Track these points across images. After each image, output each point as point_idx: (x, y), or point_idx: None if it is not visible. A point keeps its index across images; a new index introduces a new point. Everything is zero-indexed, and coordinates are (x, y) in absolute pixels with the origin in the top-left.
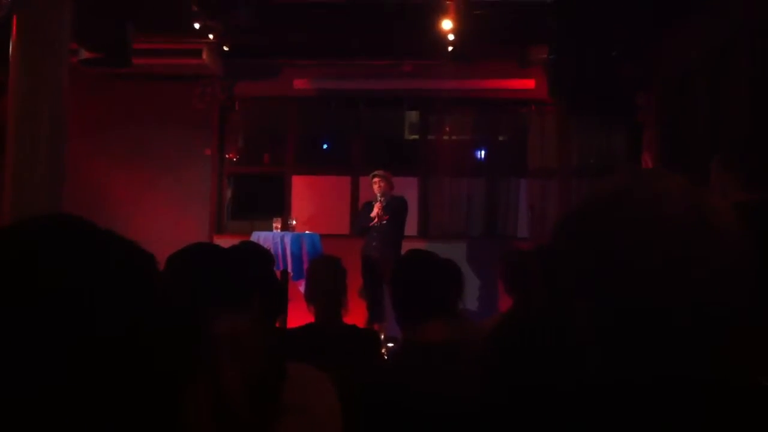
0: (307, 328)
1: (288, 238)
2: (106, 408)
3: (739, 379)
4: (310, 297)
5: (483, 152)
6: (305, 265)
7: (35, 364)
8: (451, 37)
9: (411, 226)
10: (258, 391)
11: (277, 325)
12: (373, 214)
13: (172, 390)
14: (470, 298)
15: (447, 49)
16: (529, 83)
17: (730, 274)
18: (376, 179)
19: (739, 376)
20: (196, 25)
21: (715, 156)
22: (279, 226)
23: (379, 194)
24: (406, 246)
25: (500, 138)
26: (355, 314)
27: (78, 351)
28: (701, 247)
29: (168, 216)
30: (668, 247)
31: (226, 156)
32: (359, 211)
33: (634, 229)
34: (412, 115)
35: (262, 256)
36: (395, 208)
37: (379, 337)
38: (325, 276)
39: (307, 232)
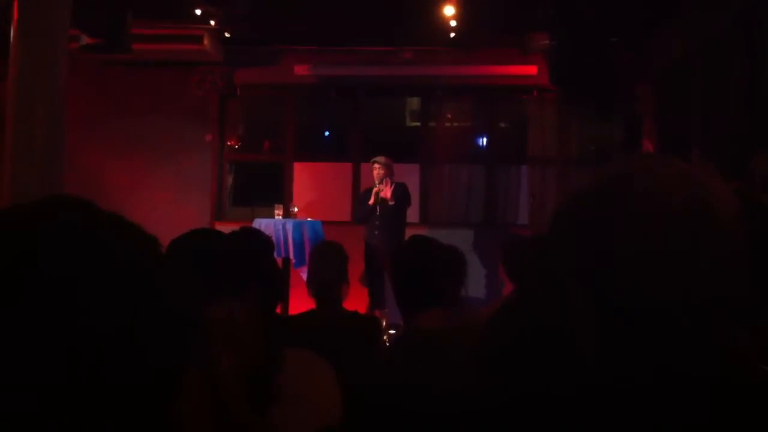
0: (308, 314)
1: (290, 225)
2: (104, 403)
3: (741, 375)
4: (311, 283)
5: (484, 139)
6: (307, 252)
7: (36, 359)
8: (452, 23)
9: (412, 213)
10: (253, 377)
11: (278, 311)
12: (376, 192)
13: (170, 381)
14: (472, 286)
15: (448, 35)
16: (531, 69)
17: (733, 262)
18: (376, 165)
19: (741, 371)
20: (198, 11)
21: (695, 147)
22: (281, 213)
23: (377, 181)
24: (407, 233)
25: (501, 125)
26: (357, 301)
27: (79, 344)
28: (703, 236)
29: (168, 203)
30: (669, 237)
31: (227, 143)
32: (358, 199)
33: (634, 218)
34: (413, 102)
35: (262, 242)
36: (399, 195)
37: (380, 324)
38: (326, 262)
39: (308, 219)
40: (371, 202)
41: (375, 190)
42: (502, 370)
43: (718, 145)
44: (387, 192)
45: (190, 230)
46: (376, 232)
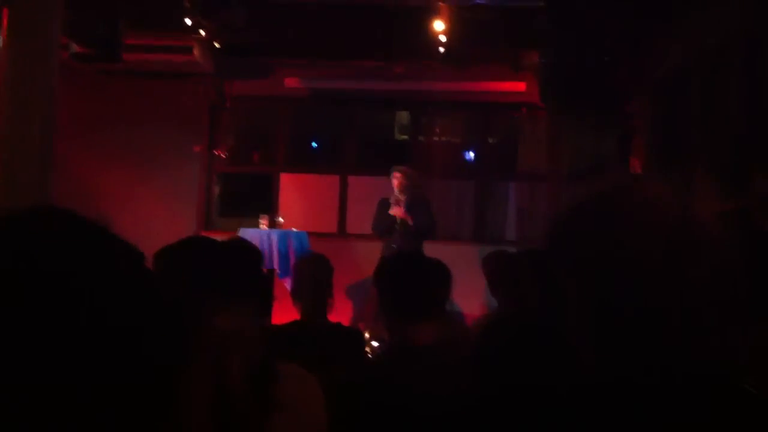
0: (291, 324)
1: (275, 235)
2: (105, 402)
3: (732, 378)
4: (296, 294)
5: (473, 154)
6: (292, 263)
7: (36, 358)
8: (443, 39)
9: None
10: (258, 385)
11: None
12: (393, 212)
13: (168, 381)
14: (460, 301)
15: (439, 51)
16: (521, 86)
17: (725, 267)
18: (396, 174)
19: (731, 375)
20: (188, 22)
21: (695, 163)
22: (266, 224)
23: (397, 191)
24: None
25: (491, 140)
26: (342, 313)
27: (80, 343)
28: (691, 250)
29: (156, 212)
30: (661, 250)
31: (216, 153)
32: (376, 210)
33: (629, 232)
34: (403, 116)
35: (252, 253)
36: (421, 216)
37: (363, 336)
38: (311, 273)
39: (294, 230)
40: (392, 212)
41: (392, 201)
42: (499, 370)
43: (718, 162)
44: (398, 211)
45: (184, 238)
46: (394, 246)
